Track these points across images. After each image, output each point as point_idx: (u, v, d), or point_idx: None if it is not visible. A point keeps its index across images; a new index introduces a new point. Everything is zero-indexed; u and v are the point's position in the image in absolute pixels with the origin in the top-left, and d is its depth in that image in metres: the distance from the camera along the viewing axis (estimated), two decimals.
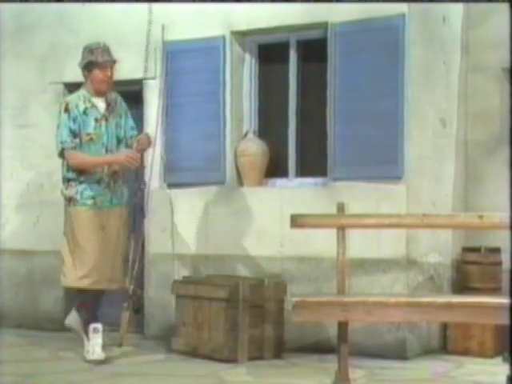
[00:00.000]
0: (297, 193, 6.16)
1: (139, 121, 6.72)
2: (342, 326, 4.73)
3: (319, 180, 6.15)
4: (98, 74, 5.74)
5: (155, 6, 6.69)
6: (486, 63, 6.47)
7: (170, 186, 6.66)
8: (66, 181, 5.75)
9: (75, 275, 5.69)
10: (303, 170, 6.27)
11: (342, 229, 4.96)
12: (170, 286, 6.21)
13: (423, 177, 6.04)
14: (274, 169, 6.45)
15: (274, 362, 5.65)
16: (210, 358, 5.73)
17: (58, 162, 5.86)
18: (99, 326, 5.73)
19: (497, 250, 6.04)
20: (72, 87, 6.76)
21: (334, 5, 5.76)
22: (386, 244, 5.81)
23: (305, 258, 6.02)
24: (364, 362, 5.45)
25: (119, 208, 5.85)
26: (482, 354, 5.92)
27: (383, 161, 5.87)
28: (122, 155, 5.74)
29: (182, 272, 6.49)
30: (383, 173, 5.87)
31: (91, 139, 5.71)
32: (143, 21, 6.73)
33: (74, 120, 5.67)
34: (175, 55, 6.61)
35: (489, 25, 6.44)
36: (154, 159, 6.60)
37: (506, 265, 5.71)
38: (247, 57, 6.60)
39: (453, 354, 6.00)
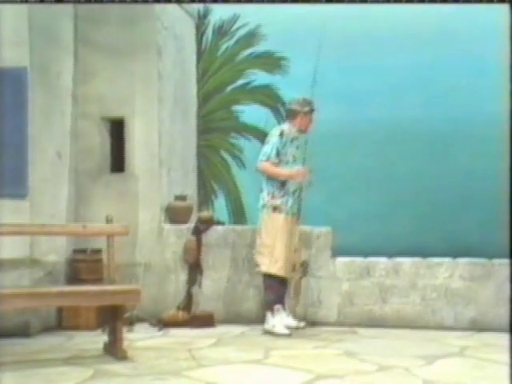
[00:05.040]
0: None
1: None
2: None
3: None
4: (307, 119, 5.92)
5: None
6: (89, 112, 6.47)
7: None
8: (271, 193, 5.78)
9: (274, 266, 5.68)
10: None
11: None
12: None
13: (44, 195, 5.92)
14: None
15: None
16: None
17: None
18: (280, 306, 5.71)
19: (99, 251, 6.07)
20: None
21: None
22: (14, 247, 5.58)
23: None
24: None
25: (297, 219, 5.86)
26: (88, 327, 5.89)
27: (12, 182, 5.64)
28: (295, 171, 5.85)
29: None
30: (12, 191, 5.64)
31: (294, 159, 5.84)
32: None
33: (283, 144, 5.81)
34: None
35: (91, 83, 6.47)
36: None
37: (105, 261, 5.60)
38: None
39: (67, 330, 5.91)
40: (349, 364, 4.68)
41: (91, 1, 6.44)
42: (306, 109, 5.99)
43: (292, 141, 5.92)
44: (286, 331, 5.65)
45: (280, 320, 5.69)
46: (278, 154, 5.83)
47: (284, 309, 5.80)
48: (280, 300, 5.75)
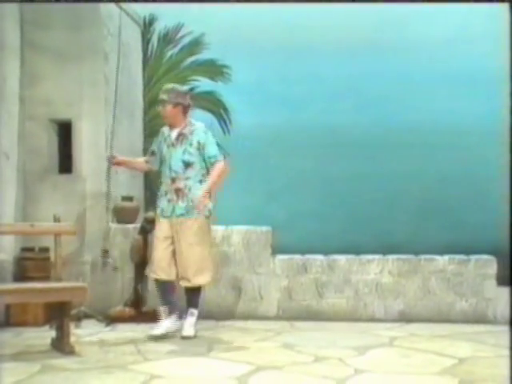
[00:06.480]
0: None
1: None
2: None
3: None
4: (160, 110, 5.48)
5: None
6: (37, 114, 6.33)
7: None
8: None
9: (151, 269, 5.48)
10: None
11: None
12: None
13: None
14: None
15: None
16: None
17: None
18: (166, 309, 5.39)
19: (47, 249, 5.96)
20: None
21: None
22: None
23: None
24: None
25: (187, 219, 5.29)
26: (35, 323, 5.76)
27: None
28: None
29: None
30: None
31: (163, 160, 5.43)
32: None
33: (157, 144, 5.50)
34: None
35: (38, 86, 6.33)
36: None
37: (52, 259, 5.53)
38: None
39: (15, 326, 5.74)
40: (287, 356, 4.73)
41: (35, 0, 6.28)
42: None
43: (165, 140, 5.46)
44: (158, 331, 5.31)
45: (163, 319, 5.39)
46: (152, 153, 5.54)
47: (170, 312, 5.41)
48: (164, 302, 5.42)
